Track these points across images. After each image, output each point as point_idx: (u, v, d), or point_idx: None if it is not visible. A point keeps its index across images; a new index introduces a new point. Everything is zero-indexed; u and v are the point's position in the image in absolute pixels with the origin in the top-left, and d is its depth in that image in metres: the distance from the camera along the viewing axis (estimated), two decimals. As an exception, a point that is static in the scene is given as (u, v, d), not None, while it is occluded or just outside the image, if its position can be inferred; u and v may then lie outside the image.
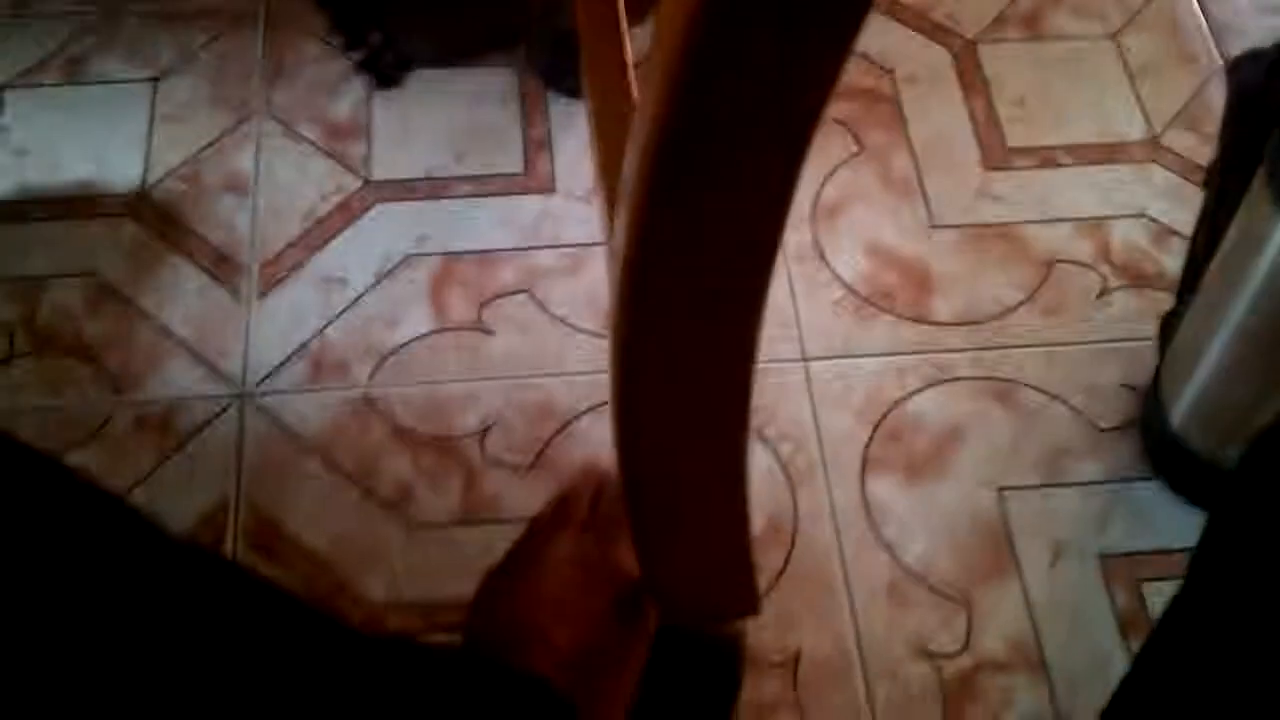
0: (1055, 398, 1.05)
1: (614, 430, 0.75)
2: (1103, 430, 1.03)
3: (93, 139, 1.20)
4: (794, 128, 0.57)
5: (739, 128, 0.57)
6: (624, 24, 1.06)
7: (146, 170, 1.18)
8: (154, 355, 1.07)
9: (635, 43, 1.25)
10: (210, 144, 1.20)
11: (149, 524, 0.50)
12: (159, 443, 1.03)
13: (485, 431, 1.04)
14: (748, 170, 0.59)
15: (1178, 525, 0.98)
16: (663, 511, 0.81)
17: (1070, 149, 1.20)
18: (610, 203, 0.96)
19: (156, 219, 1.15)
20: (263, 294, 1.11)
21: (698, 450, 0.76)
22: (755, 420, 0.89)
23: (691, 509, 0.81)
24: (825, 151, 1.18)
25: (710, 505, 0.80)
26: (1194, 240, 1.00)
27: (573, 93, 1.22)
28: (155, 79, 1.25)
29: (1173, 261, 1.11)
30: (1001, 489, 1.01)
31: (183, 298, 1.10)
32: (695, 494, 0.79)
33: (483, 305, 1.10)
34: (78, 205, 1.16)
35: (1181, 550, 0.97)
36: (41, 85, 1.24)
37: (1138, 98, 1.23)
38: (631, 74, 1.03)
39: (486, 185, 1.18)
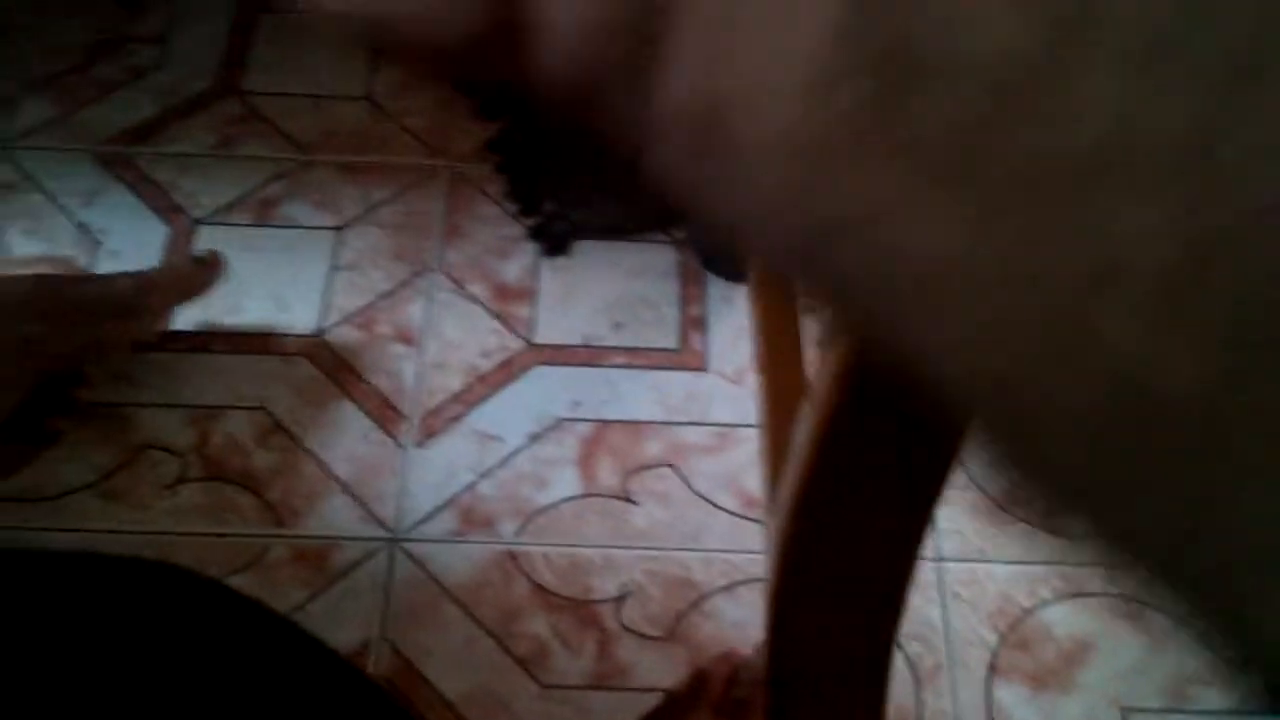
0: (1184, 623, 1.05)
1: (766, 640, 0.78)
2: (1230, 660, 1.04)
3: (276, 279, 1.27)
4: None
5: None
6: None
7: (324, 314, 1.25)
8: (314, 492, 1.12)
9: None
10: (385, 294, 1.26)
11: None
12: (312, 577, 1.08)
13: (622, 599, 1.07)
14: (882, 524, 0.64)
15: (1303, 766, 0.98)
16: (805, 693, 0.83)
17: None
18: (768, 378, 1.00)
19: (329, 361, 1.21)
20: (420, 443, 1.16)
21: (845, 665, 0.79)
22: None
23: (831, 710, 0.83)
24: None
25: (850, 707, 0.82)
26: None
27: (730, 276, 1.27)
28: (339, 228, 1.32)
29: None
30: (1125, 708, 1.01)
31: (346, 439, 1.16)
32: (837, 698, 0.82)
33: (628, 474, 1.14)
34: (257, 341, 1.23)
35: (1306, 792, 0.97)
36: (233, 224, 1.32)
37: None
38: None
39: (641, 357, 1.22)
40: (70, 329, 1.07)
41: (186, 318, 1.23)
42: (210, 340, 1.23)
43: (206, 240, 1.30)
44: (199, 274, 1.18)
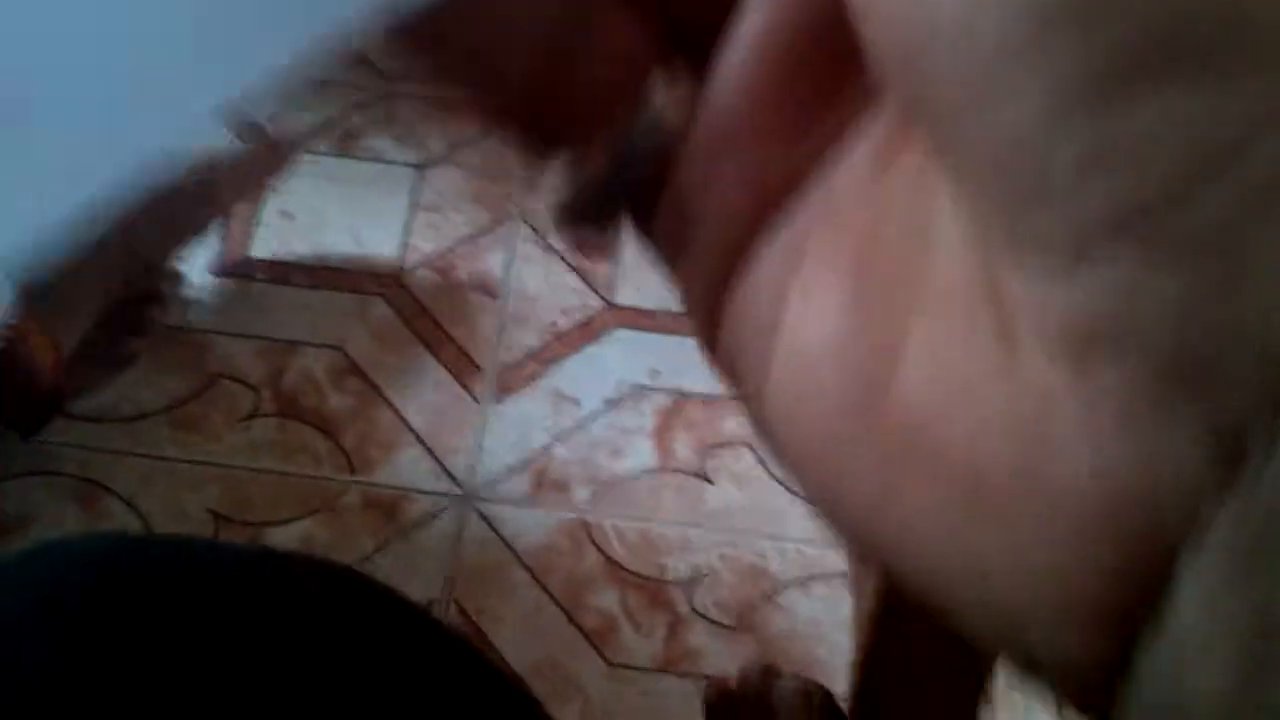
0: None
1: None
2: None
3: (356, 214, 1.25)
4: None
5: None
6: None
7: (404, 254, 1.22)
8: (388, 440, 1.10)
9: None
10: (465, 239, 1.24)
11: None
12: (382, 528, 1.06)
13: (695, 582, 1.05)
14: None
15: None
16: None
17: None
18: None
19: (407, 305, 1.18)
20: (498, 399, 1.14)
21: None
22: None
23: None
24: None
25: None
26: None
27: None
28: (421, 165, 1.29)
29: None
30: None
31: (422, 388, 1.14)
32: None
33: (705, 451, 1.12)
34: (334, 277, 1.20)
35: None
36: (314, 154, 1.29)
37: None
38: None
39: (724, 331, 1.20)
40: (141, 222, 1.04)
41: (267, 246, 1.21)
42: (289, 272, 1.20)
43: (287, 170, 1.27)
44: (269, 158, 1.15)
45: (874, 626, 0.75)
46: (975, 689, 0.78)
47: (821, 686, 0.84)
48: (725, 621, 1.04)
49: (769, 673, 0.87)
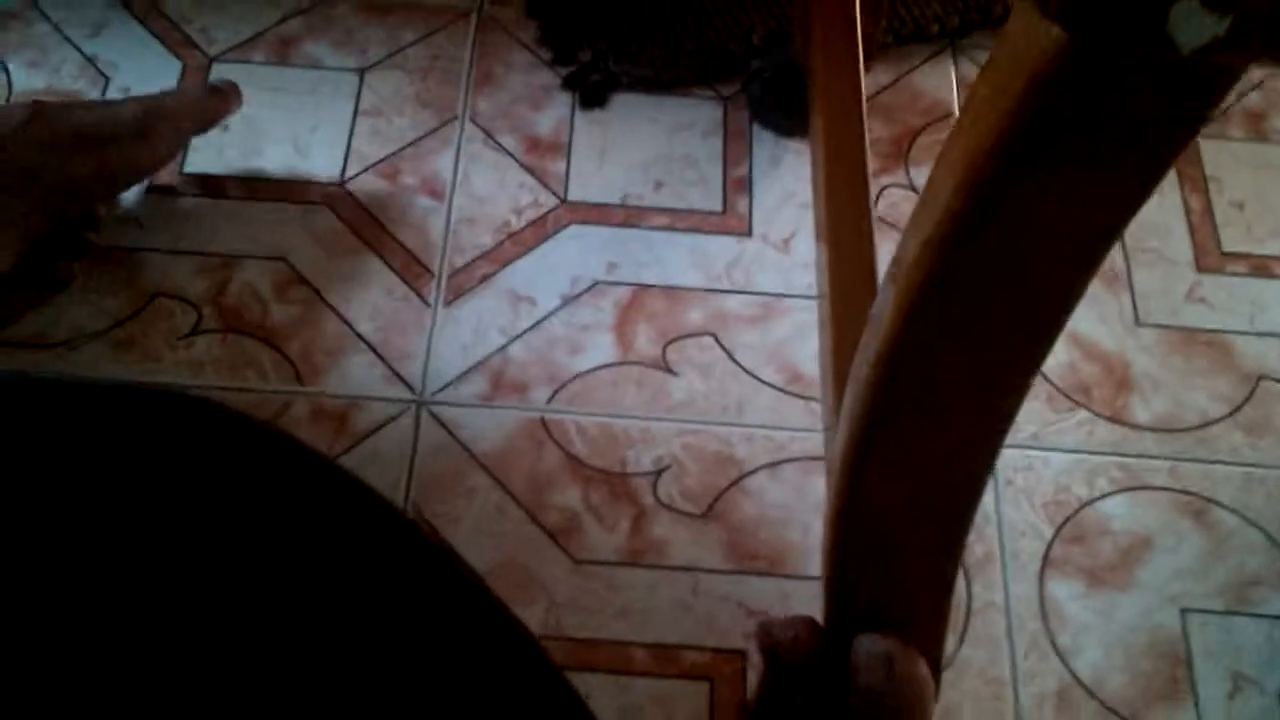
0: (1250, 522, 1.01)
1: (836, 485, 0.74)
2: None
3: (295, 123, 1.20)
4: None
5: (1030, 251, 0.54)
6: (861, 63, 1.04)
7: (346, 162, 1.18)
8: (336, 349, 1.07)
9: (870, 78, 1.23)
10: (411, 144, 1.20)
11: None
12: (333, 438, 1.02)
13: (659, 473, 1.02)
14: (1054, 266, 0.57)
15: (1370, 675, 0.94)
16: (871, 565, 0.79)
17: (1287, 261, 1.16)
18: (831, 244, 0.94)
19: (352, 212, 1.14)
20: (449, 302, 1.10)
21: (923, 521, 0.75)
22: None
23: (899, 578, 0.79)
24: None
25: (918, 579, 0.78)
26: None
27: (785, 131, 1.20)
28: (362, 70, 1.24)
29: (1386, 394, 1.07)
30: (1185, 610, 0.97)
31: (371, 295, 1.10)
32: (912, 548, 0.77)
33: (667, 343, 1.08)
34: (275, 188, 1.16)
35: (1371, 701, 0.93)
36: (250, 62, 1.24)
37: (1362, 217, 1.19)
38: (865, 114, 1.01)
39: (682, 219, 1.16)
40: (73, 157, 1.00)
41: (202, 160, 1.17)
42: (226, 185, 1.16)
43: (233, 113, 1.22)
44: (213, 102, 1.11)
45: (846, 485, 0.71)
46: (951, 552, 0.75)
47: (903, 646, 0.81)
48: (691, 510, 1.00)
49: (816, 629, 0.83)
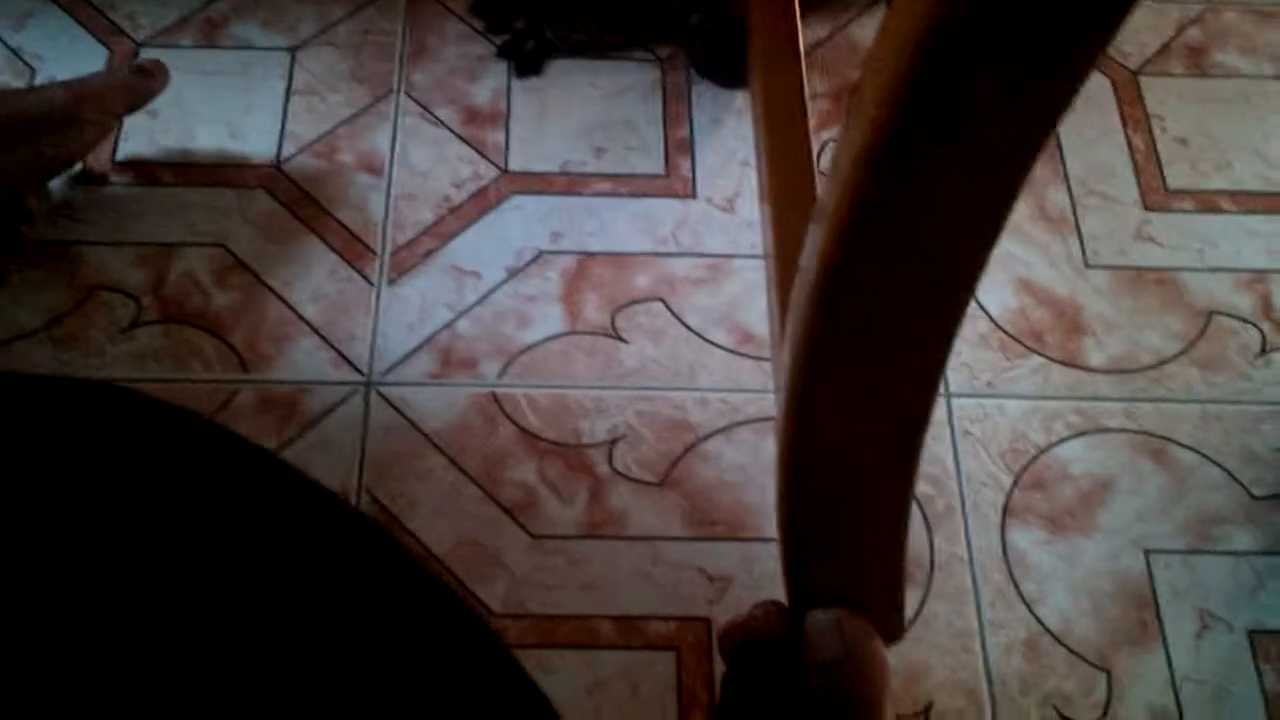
0: (1209, 459, 1.01)
1: (779, 438, 0.73)
2: (1256, 498, 0.99)
3: (227, 105, 1.18)
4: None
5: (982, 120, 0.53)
6: (798, 18, 1.03)
7: (281, 142, 1.16)
8: (280, 334, 1.05)
9: (808, 32, 1.22)
10: (346, 120, 1.18)
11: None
12: (281, 425, 1.01)
13: (614, 443, 1.01)
14: (976, 182, 0.56)
15: (1334, 605, 0.94)
16: (821, 525, 0.78)
17: (1233, 195, 1.15)
18: (775, 201, 0.93)
19: (290, 194, 1.13)
20: (393, 280, 1.08)
21: (869, 458, 0.74)
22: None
23: (852, 523, 0.78)
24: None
25: (872, 521, 0.77)
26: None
27: (728, 83, 1.19)
28: (293, 49, 1.22)
29: (1337, 324, 1.07)
30: (1149, 551, 0.97)
31: (313, 277, 1.08)
32: (858, 508, 0.77)
33: (616, 310, 1.07)
34: (210, 172, 1.14)
35: (1336, 632, 0.94)
36: (178, 46, 1.22)
37: (1306, 147, 1.18)
38: (803, 63, 1.00)
39: (625, 185, 1.15)
40: (2, 147, 0.98)
41: (134, 147, 1.14)
42: (160, 172, 1.14)
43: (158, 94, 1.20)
44: (140, 82, 1.09)
45: (793, 419, 0.71)
46: (903, 485, 0.74)
47: (854, 614, 0.80)
48: (648, 479, 0.99)
49: (781, 609, 0.82)
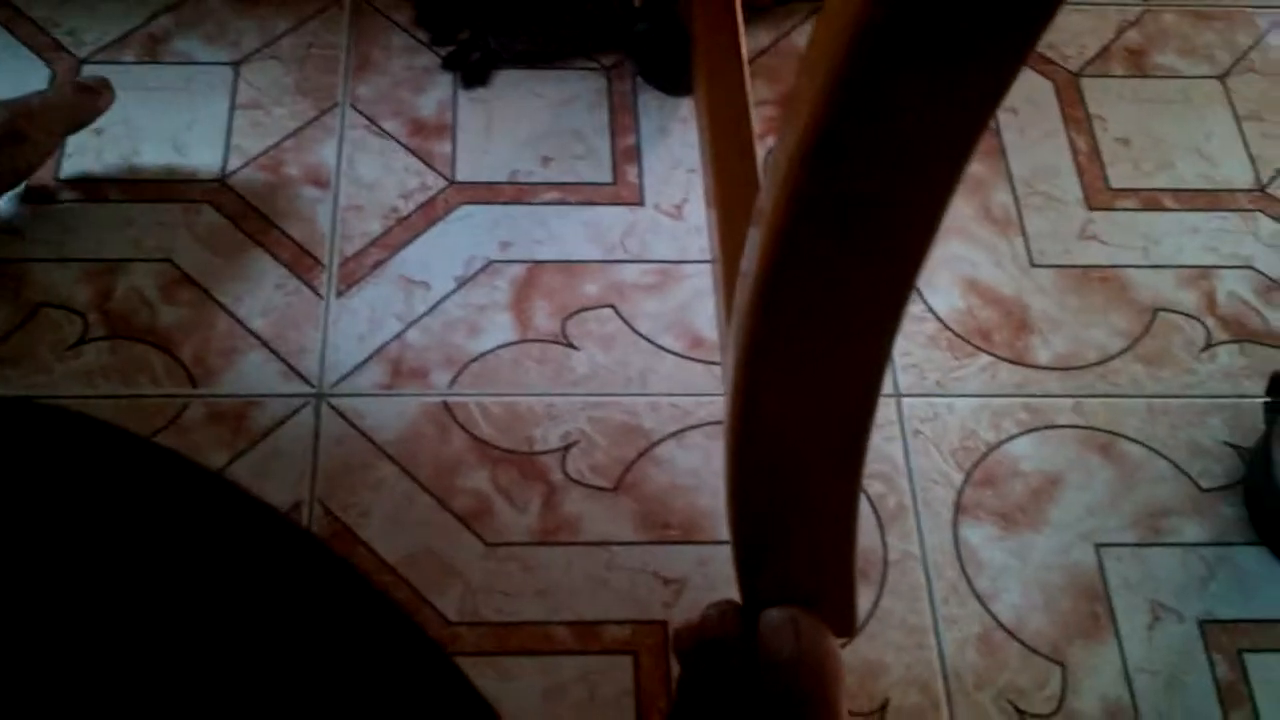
0: (1156, 453, 1.02)
1: (727, 438, 0.73)
2: (1204, 490, 1.00)
3: (172, 121, 1.18)
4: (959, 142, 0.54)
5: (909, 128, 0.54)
6: (740, 19, 1.03)
7: (227, 156, 1.15)
8: (229, 348, 1.04)
9: (751, 39, 1.23)
10: (292, 134, 1.17)
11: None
12: (232, 438, 1.00)
13: (567, 449, 1.01)
14: (909, 181, 0.57)
15: (1282, 595, 0.95)
16: (771, 523, 0.79)
17: (1175, 193, 1.16)
18: (721, 206, 0.93)
19: (236, 208, 1.12)
20: (342, 292, 1.08)
21: (816, 456, 0.74)
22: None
23: (802, 520, 0.78)
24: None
25: (821, 518, 0.78)
26: (1313, 299, 0.97)
27: (674, 90, 1.19)
28: (237, 63, 1.22)
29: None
30: (1099, 545, 0.98)
31: (261, 291, 1.07)
32: (807, 505, 0.77)
33: (567, 318, 1.07)
34: (156, 188, 1.13)
35: (1285, 620, 0.95)
36: (121, 63, 1.21)
37: (1245, 143, 1.20)
38: (746, 70, 1.01)
39: (573, 193, 1.15)
40: None
41: (79, 164, 1.14)
42: (106, 188, 1.13)
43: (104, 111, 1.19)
44: (84, 99, 1.08)
45: (740, 418, 0.71)
46: (851, 476, 0.74)
47: (807, 612, 0.80)
48: (601, 484, 0.99)
49: (735, 608, 0.83)
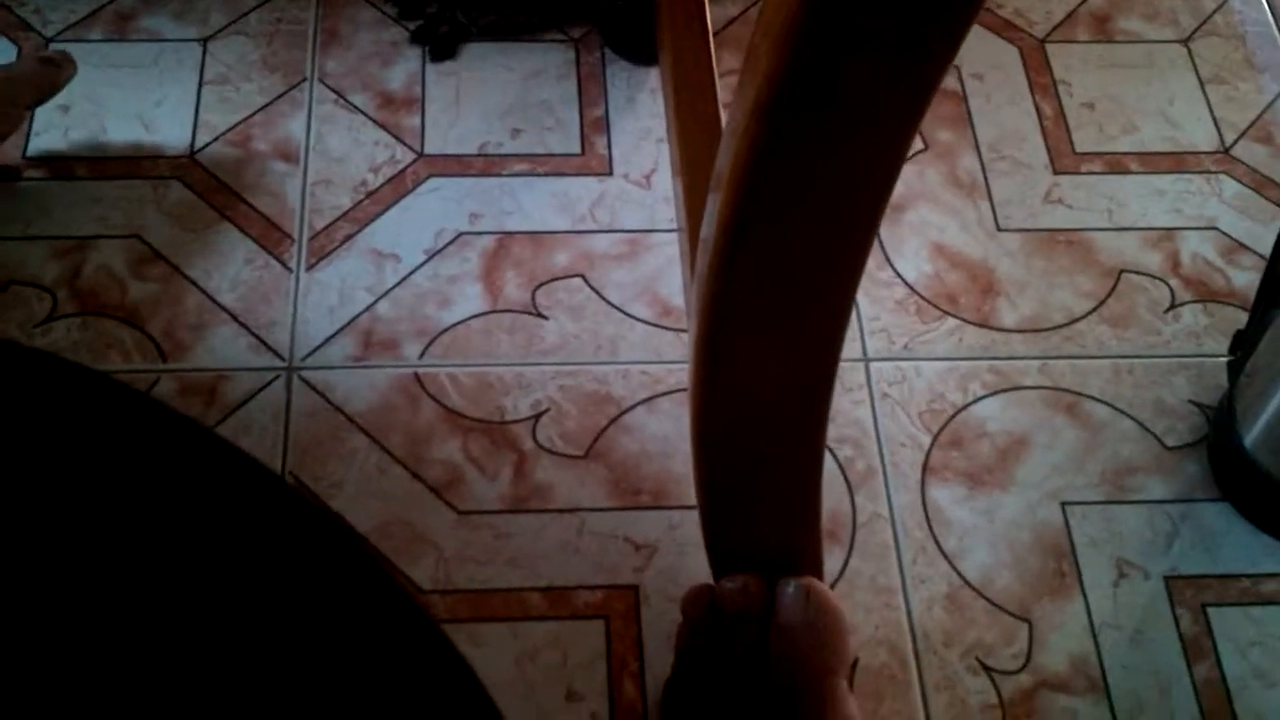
0: (1121, 412, 1.03)
1: (691, 401, 0.74)
2: (1169, 448, 1.01)
3: (140, 98, 1.18)
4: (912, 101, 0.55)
5: (860, 92, 0.55)
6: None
7: (195, 132, 1.15)
8: (199, 323, 1.05)
9: (718, 9, 1.23)
10: (260, 109, 1.18)
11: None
12: (203, 413, 1.00)
13: (537, 418, 1.01)
14: (861, 143, 0.58)
15: (1245, 550, 0.96)
16: (736, 485, 0.80)
17: (1140, 156, 1.17)
18: (686, 175, 0.94)
19: (205, 183, 1.12)
20: (312, 265, 1.08)
21: (778, 419, 0.75)
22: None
23: (767, 482, 0.79)
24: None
25: (786, 479, 0.79)
26: (1274, 256, 0.98)
27: (642, 60, 1.20)
28: (205, 39, 1.22)
29: (1243, 277, 1.09)
30: (1065, 503, 0.99)
31: (230, 265, 1.08)
32: (772, 467, 0.78)
33: (536, 288, 1.08)
34: (124, 165, 1.13)
35: (1249, 576, 0.95)
36: (88, 40, 1.21)
37: (1209, 106, 1.21)
38: (711, 40, 1.01)
39: (542, 164, 1.15)
40: None
41: (46, 141, 1.14)
42: (73, 166, 1.13)
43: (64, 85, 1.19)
44: (47, 73, 1.08)
45: (702, 383, 0.72)
46: (814, 436, 0.75)
47: (815, 583, 0.82)
48: (572, 452, 1.00)
49: (756, 582, 0.84)
